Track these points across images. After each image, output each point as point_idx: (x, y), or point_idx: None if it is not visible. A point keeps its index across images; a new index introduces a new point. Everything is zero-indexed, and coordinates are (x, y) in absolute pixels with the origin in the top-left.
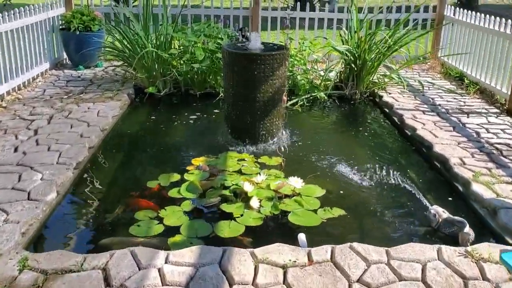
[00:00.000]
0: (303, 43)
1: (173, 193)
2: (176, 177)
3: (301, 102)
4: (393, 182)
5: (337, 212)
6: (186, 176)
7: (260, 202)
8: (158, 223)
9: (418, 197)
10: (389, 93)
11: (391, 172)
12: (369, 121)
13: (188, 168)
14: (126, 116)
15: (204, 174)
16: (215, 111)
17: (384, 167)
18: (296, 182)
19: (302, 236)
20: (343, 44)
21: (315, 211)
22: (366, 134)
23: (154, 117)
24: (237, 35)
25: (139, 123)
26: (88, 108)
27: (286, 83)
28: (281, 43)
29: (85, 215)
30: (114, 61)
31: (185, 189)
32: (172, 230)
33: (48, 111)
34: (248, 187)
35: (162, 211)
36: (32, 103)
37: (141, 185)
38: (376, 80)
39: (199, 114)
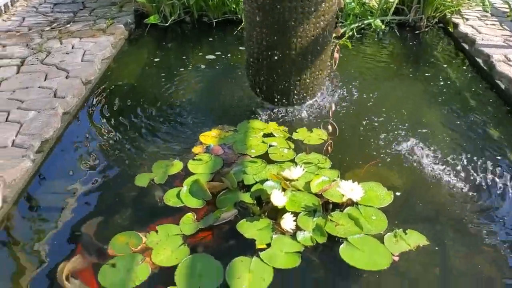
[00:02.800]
0: None
1: (170, 198)
2: (176, 167)
3: (350, 33)
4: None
5: (414, 238)
6: (190, 165)
7: (295, 219)
8: (143, 261)
9: None
10: (466, 19)
11: (497, 166)
12: (441, 61)
13: (194, 149)
14: (120, 59)
15: (215, 162)
16: (237, 48)
17: (482, 153)
18: (352, 191)
19: None
20: None
21: (380, 237)
22: (441, 85)
23: (157, 59)
24: None
25: (135, 70)
26: (72, 48)
27: (335, 21)
28: None
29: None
30: None
31: (187, 193)
32: (163, 276)
33: (21, 52)
34: (278, 200)
35: (152, 234)
36: (4, 39)
37: (127, 182)
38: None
39: (215, 53)
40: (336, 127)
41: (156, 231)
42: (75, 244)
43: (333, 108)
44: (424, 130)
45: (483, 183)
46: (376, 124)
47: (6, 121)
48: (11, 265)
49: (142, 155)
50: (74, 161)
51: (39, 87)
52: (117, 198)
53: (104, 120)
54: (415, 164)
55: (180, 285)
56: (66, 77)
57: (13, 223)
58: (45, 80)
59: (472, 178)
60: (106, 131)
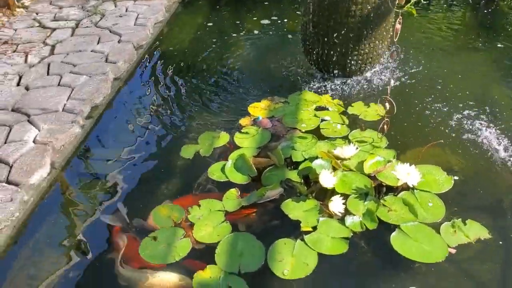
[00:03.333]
0: None
1: (214, 172)
2: (222, 139)
3: None
4: None
5: (475, 230)
6: (236, 138)
7: (345, 202)
8: (184, 236)
9: None
10: None
11: None
12: None
13: (241, 121)
14: (173, 23)
15: (262, 136)
16: (293, 13)
17: None
18: (408, 176)
19: None
20: None
21: (437, 226)
22: None
23: (210, 24)
24: None
25: (188, 35)
26: (126, 10)
27: None
28: None
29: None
30: None
31: (232, 168)
32: (203, 253)
33: (76, 14)
34: (326, 181)
35: (194, 208)
36: (60, 1)
37: (173, 152)
38: None
39: (271, 18)
40: (394, 104)
41: (199, 206)
42: (118, 212)
43: (392, 84)
44: (492, 109)
45: None
46: (439, 101)
47: (59, 85)
48: (61, 227)
49: (190, 125)
50: (122, 128)
51: (91, 51)
52: (162, 169)
53: (154, 87)
54: (480, 147)
55: (220, 264)
56: (119, 41)
57: (61, 189)
58: (98, 43)
59: None
60: (155, 98)
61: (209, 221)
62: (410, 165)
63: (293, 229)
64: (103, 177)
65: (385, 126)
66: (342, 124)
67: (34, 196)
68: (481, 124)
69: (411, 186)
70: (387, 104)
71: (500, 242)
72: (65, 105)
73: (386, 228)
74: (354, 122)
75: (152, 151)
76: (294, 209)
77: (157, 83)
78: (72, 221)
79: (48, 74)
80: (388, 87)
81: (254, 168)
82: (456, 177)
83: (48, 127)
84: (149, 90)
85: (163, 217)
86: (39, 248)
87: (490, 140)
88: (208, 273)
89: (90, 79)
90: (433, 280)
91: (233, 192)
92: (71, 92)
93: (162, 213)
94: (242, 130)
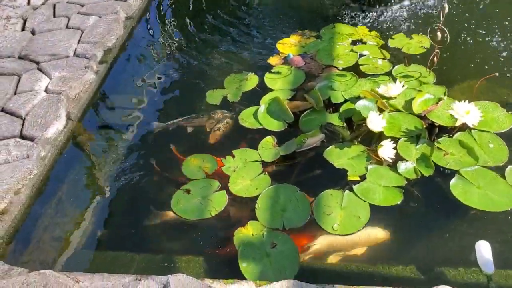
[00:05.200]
0: None
1: (246, 119)
2: (251, 81)
3: None
4: None
5: None
6: (267, 79)
7: (395, 147)
8: (219, 189)
9: None
10: None
11: None
12: None
13: (270, 60)
14: None
15: (296, 76)
16: None
17: None
18: (468, 115)
19: (483, 248)
20: None
21: (500, 170)
22: None
23: None
24: None
25: None
26: None
27: None
28: None
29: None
30: None
31: (265, 113)
32: (241, 208)
33: None
34: (375, 123)
35: (228, 159)
36: None
37: (198, 98)
38: None
39: None
40: (447, 34)
41: (233, 156)
42: (145, 164)
43: (446, 10)
44: None
45: None
46: (495, 30)
47: (67, 27)
48: (83, 184)
49: (214, 66)
50: (140, 71)
51: None
52: (188, 117)
53: (171, 25)
54: None
55: (262, 219)
56: None
57: (80, 142)
58: None
59: None
60: (173, 37)
61: (245, 173)
62: (465, 101)
63: (339, 179)
64: (124, 127)
65: (435, 58)
66: (383, 59)
67: (51, 151)
68: None
69: (470, 126)
70: (439, 33)
71: None
72: (76, 49)
73: (444, 174)
74: (397, 56)
75: (174, 97)
76: (338, 157)
77: (174, 20)
78: (94, 177)
79: (54, 16)
80: (441, 13)
81: (290, 112)
82: None
83: (60, 74)
84: (165, 28)
85: (194, 168)
86: (62, 208)
87: None
88: (249, 230)
89: (100, 19)
90: (502, 231)
91: (269, 140)
92: (81, 35)
93: (193, 163)
94: (273, 70)
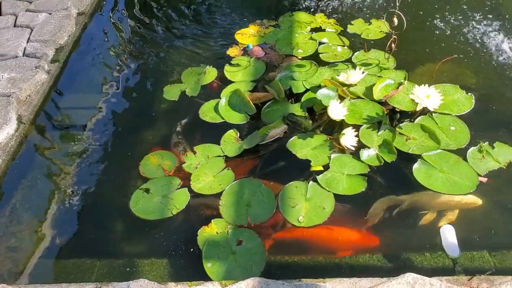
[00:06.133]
0: None
1: (206, 113)
2: (210, 74)
3: None
4: None
5: (505, 153)
6: (226, 71)
7: (357, 134)
8: (180, 186)
9: None
10: None
11: None
12: None
13: (230, 52)
14: None
15: (256, 67)
16: None
17: None
18: (428, 99)
19: (447, 232)
20: None
21: (462, 153)
22: None
23: None
24: None
25: None
26: None
27: None
28: None
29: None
30: None
31: (226, 106)
32: (204, 205)
33: None
34: (337, 112)
35: (189, 156)
36: None
37: (155, 95)
38: None
39: None
40: (404, 18)
41: (194, 153)
42: (102, 166)
43: None
44: (509, 23)
45: None
46: (450, 12)
47: (15, 25)
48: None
49: (171, 60)
50: (94, 70)
51: None
52: (144, 115)
53: (125, 20)
54: (498, 61)
55: (226, 217)
56: None
57: (33, 146)
58: None
59: None
60: (128, 32)
61: (208, 169)
62: (425, 85)
63: (303, 170)
64: (80, 128)
65: (393, 44)
66: (343, 46)
67: (3, 157)
68: (498, 35)
69: (431, 110)
70: (395, 19)
71: None
72: (25, 48)
73: (406, 159)
74: (356, 43)
75: (130, 94)
76: (301, 147)
77: (128, 15)
78: (49, 182)
79: (0, 14)
80: None
81: (252, 104)
82: (476, 96)
83: (9, 76)
84: (119, 23)
85: (153, 167)
86: (17, 216)
87: (508, 54)
88: (214, 228)
89: (50, 16)
90: (465, 214)
91: (232, 134)
92: (30, 34)
93: (152, 162)
94: (232, 62)
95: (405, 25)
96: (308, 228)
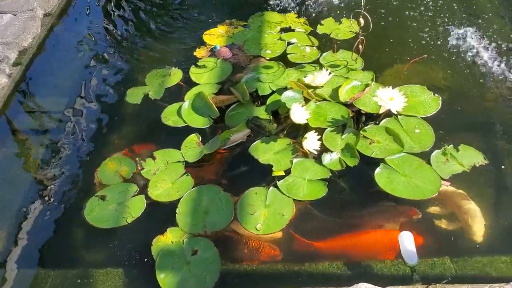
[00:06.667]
0: None
1: (169, 116)
2: (175, 76)
3: None
4: None
5: (469, 156)
6: (192, 73)
7: (320, 138)
8: (136, 193)
9: None
10: None
11: None
12: None
13: (197, 53)
14: None
15: (222, 68)
16: None
17: None
18: (392, 101)
19: (405, 239)
20: None
21: (426, 156)
22: None
23: None
24: None
25: None
26: None
27: None
28: None
29: None
30: None
31: (189, 110)
32: (161, 213)
33: None
34: (298, 116)
35: (148, 162)
36: None
37: (118, 98)
38: None
39: None
40: (370, 19)
41: (153, 158)
42: (62, 171)
43: None
44: (479, 21)
45: None
46: (420, 12)
47: None
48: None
49: (137, 62)
50: (58, 73)
51: None
52: (106, 119)
53: (93, 21)
54: (468, 61)
55: (182, 225)
56: None
57: None
58: None
59: None
60: (95, 34)
61: (167, 176)
62: (392, 87)
63: (265, 175)
64: (41, 134)
65: (361, 45)
66: (312, 46)
67: None
68: (468, 35)
69: (395, 112)
70: (361, 19)
71: (502, 166)
72: None
73: (370, 163)
74: (325, 43)
75: (93, 98)
76: (264, 152)
77: (96, 16)
78: (5, 191)
79: None
80: None
81: (215, 107)
82: (444, 97)
83: None
84: (86, 25)
85: (110, 173)
86: None
87: (478, 53)
88: (169, 238)
89: (15, 17)
90: (426, 220)
91: (193, 138)
92: None
93: (109, 168)
94: (198, 63)
95: (371, 26)
96: None
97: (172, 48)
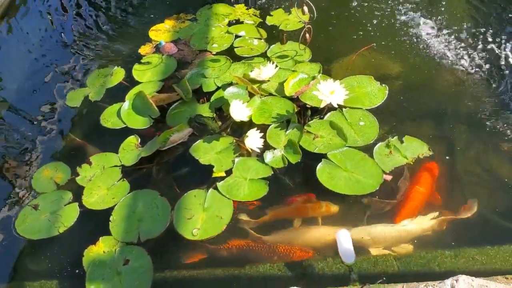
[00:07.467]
0: None
1: (108, 118)
2: (117, 76)
3: None
4: None
5: (413, 148)
6: (135, 71)
7: (262, 136)
8: (71, 201)
9: None
10: None
11: None
12: None
13: (141, 50)
14: None
15: (167, 64)
16: None
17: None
18: (332, 95)
19: (342, 237)
20: None
21: (369, 149)
22: None
23: None
24: None
25: None
26: None
27: None
28: None
29: None
30: None
31: (129, 110)
32: (95, 221)
33: None
34: (238, 113)
35: (84, 168)
36: None
37: (57, 101)
38: None
39: None
40: (313, 6)
41: (90, 163)
42: None
43: None
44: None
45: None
46: (369, 1)
47: None
48: None
49: (80, 62)
50: None
51: None
52: (44, 125)
53: (35, 22)
54: (417, 50)
55: (115, 234)
56: None
57: None
58: None
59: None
60: (37, 35)
61: (102, 182)
62: (336, 79)
63: (205, 177)
64: None
65: (307, 35)
66: (260, 39)
67: None
68: (420, 23)
69: (335, 106)
70: (305, 8)
71: (448, 157)
72: None
73: (313, 158)
74: (274, 35)
75: (32, 103)
76: (206, 152)
77: (39, 16)
78: None
79: None
80: None
81: (155, 107)
82: (391, 86)
83: None
84: (28, 26)
85: (45, 180)
86: None
87: (427, 41)
88: (101, 247)
89: None
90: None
91: (132, 140)
92: None
93: (44, 175)
94: (142, 61)
95: (315, 15)
96: None
97: (118, 46)
